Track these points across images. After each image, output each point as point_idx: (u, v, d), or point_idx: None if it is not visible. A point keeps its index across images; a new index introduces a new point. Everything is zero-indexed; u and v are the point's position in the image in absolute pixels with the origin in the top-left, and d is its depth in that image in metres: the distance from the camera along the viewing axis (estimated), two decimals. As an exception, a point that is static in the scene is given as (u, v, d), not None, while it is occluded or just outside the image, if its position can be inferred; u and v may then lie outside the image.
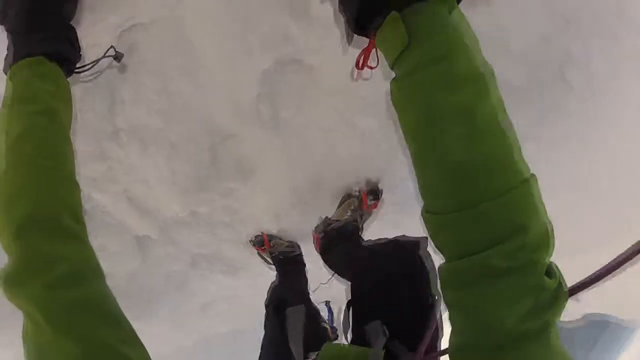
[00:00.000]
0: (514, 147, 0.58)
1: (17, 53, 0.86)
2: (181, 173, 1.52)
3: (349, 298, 1.19)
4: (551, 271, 0.58)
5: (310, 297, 1.61)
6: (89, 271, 0.71)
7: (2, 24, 0.91)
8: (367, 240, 1.51)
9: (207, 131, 1.42)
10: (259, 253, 1.90)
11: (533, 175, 0.59)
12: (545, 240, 0.57)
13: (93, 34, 1.12)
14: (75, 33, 0.95)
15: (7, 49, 0.89)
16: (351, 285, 1.27)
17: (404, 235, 1.23)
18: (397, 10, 0.60)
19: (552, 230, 0.58)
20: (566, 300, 0.57)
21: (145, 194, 1.57)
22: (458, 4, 0.62)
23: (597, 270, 0.59)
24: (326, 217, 1.67)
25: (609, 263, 0.59)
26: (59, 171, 0.78)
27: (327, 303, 2.08)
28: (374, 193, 1.67)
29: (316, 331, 1.33)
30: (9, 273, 0.67)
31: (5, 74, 0.88)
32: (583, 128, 1.66)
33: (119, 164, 1.47)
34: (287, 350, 1.21)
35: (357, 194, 1.65)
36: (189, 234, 1.75)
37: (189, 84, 1.30)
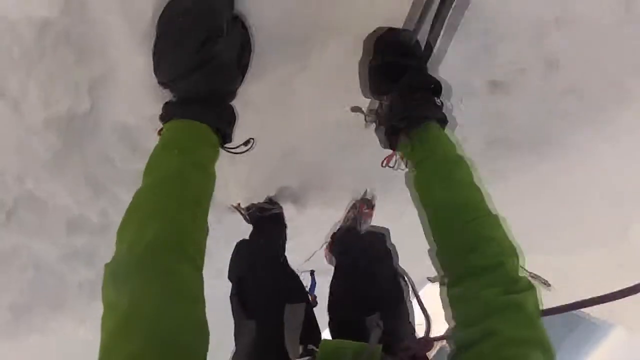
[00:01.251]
0: (481, 196, 0.89)
1: (182, 114, 0.90)
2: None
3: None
4: (521, 275, 0.80)
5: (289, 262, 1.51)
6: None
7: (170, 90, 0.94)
8: None
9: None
10: (236, 207, 1.76)
11: (501, 217, 0.87)
12: (511, 249, 0.82)
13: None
14: (234, 115, 0.99)
15: (168, 108, 0.93)
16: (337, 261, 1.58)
17: (373, 226, 1.62)
18: (406, 133, 1.01)
19: (518, 248, 0.82)
20: (535, 294, 0.76)
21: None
22: (444, 125, 1.02)
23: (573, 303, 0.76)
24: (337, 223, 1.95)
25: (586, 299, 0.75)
26: (198, 209, 0.79)
27: (312, 272, 2.05)
28: (369, 203, 1.96)
29: (311, 321, 1.21)
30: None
31: (163, 121, 0.92)
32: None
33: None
34: (282, 350, 1.07)
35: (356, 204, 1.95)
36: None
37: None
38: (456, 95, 1.43)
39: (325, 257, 1.96)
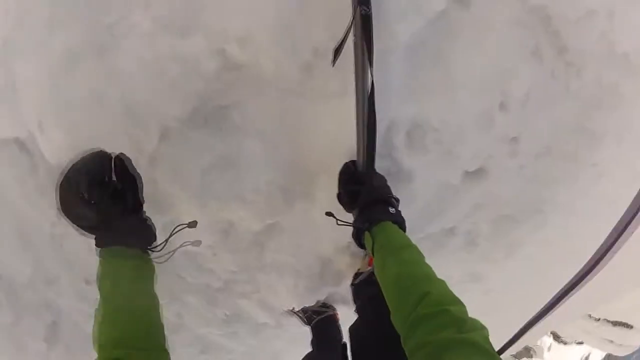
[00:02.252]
0: (426, 269, 1.11)
1: (107, 242, 1.14)
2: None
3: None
4: (469, 319, 0.92)
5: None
6: None
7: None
8: None
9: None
10: (293, 312, 2.00)
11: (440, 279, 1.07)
12: (454, 299, 0.97)
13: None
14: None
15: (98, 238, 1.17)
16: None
17: None
18: (368, 231, 1.28)
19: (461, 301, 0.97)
20: (483, 334, 0.87)
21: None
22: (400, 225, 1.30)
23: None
24: (357, 270, 1.82)
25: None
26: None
27: None
28: None
29: None
30: None
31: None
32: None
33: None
34: None
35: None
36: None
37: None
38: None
39: None
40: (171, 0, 1.15)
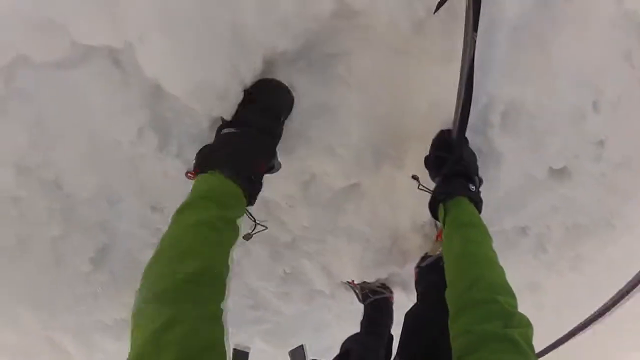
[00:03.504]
0: (488, 250, 1.15)
1: (214, 164, 1.11)
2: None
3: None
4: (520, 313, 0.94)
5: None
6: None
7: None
8: None
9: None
10: (351, 286, 2.00)
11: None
12: (505, 289, 1.00)
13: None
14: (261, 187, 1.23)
15: (209, 158, 1.16)
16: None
17: None
18: (443, 203, 1.28)
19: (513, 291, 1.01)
20: (528, 330, 0.90)
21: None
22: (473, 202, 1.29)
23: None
24: (425, 253, 1.79)
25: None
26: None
27: None
28: None
29: None
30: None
31: (199, 171, 1.13)
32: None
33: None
34: None
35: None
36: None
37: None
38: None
39: None
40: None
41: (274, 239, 1.77)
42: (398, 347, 1.39)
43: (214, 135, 1.28)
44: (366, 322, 1.95)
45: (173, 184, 1.41)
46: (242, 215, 1.10)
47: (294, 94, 1.34)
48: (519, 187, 1.67)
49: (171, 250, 0.91)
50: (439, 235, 1.51)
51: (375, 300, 1.96)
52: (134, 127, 1.31)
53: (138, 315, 0.79)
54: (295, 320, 2.17)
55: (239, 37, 1.18)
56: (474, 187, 1.32)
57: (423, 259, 1.75)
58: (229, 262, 0.95)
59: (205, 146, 1.23)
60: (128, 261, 1.65)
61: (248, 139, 1.21)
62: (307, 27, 1.23)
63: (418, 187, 1.42)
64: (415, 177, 1.42)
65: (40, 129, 1.30)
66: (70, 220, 1.50)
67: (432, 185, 1.40)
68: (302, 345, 1.28)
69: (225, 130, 1.22)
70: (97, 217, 1.52)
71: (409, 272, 1.84)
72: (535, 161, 1.60)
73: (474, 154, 1.42)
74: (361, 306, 2.00)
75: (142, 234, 1.60)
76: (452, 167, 1.33)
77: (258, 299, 2.03)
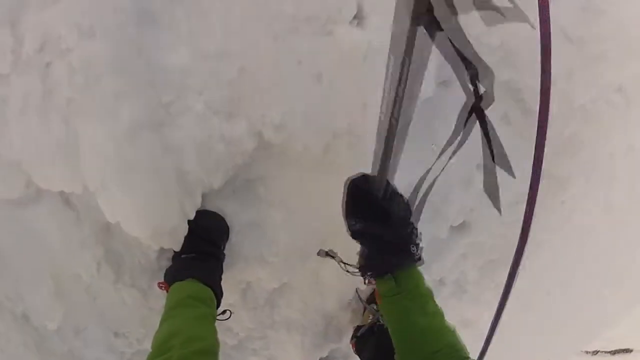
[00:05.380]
0: (447, 328, 1.16)
1: (187, 274, 1.39)
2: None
3: None
4: None
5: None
6: None
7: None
8: None
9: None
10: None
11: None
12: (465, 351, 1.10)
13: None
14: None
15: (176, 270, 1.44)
16: None
17: None
18: (390, 273, 1.21)
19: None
20: None
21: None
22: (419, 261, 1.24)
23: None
24: (357, 325, 1.96)
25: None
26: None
27: None
28: None
29: None
30: None
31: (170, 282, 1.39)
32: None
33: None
34: None
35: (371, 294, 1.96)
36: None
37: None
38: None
39: None
40: (221, 89, 1.37)
41: (222, 343, 1.86)
42: None
43: (161, 264, 1.54)
44: None
45: (131, 310, 1.61)
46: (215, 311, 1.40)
47: (226, 219, 1.57)
48: (426, 249, 1.83)
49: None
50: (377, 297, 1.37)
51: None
52: (92, 261, 1.52)
53: None
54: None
55: (183, 181, 1.39)
56: (415, 248, 1.23)
57: (357, 330, 1.94)
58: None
59: (172, 266, 1.48)
60: None
61: (204, 260, 1.46)
62: (235, 162, 1.46)
63: (346, 270, 1.43)
64: (330, 254, 1.46)
65: (3, 264, 1.47)
66: (42, 351, 1.65)
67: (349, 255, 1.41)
68: None
69: (184, 256, 1.46)
70: (66, 347, 1.67)
71: (347, 345, 1.98)
72: (437, 226, 1.83)
73: (403, 201, 1.23)
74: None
75: (109, 357, 1.74)
76: (390, 240, 1.21)
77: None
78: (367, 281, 1.40)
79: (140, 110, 1.30)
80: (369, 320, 1.91)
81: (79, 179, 1.36)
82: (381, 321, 1.88)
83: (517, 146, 0.97)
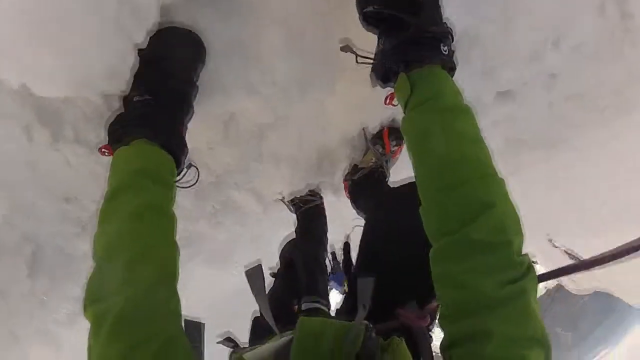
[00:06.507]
0: (485, 154, 0.81)
1: (136, 133, 0.94)
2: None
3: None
4: (524, 255, 0.73)
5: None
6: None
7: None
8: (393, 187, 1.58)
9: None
10: (281, 200, 1.97)
11: (502, 178, 0.78)
12: (515, 223, 0.74)
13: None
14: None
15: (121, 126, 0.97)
16: (364, 225, 1.33)
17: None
18: (404, 72, 0.88)
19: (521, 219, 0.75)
20: (535, 277, 0.71)
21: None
22: (452, 71, 0.92)
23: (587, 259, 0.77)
24: (354, 164, 1.71)
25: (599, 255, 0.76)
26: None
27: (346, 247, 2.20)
28: (397, 136, 1.64)
29: None
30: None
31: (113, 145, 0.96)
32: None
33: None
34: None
35: (379, 134, 1.67)
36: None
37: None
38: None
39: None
40: None
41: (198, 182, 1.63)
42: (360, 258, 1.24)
43: (111, 106, 1.09)
44: (300, 230, 1.94)
45: (78, 170, 1.30)
46: (175, 184, 0.98)
47: (202, 37, 1.08)
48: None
49: (122, 252, 0.78)
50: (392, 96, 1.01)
51: (308, 209, 1.97)
52: (18, 128, 1.16)
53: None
54: (230, 242, 2.15)
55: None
56: (446, 49, 0.90)
57: (354, 170, 1.73)
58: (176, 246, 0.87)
59: (118, 116, 1.01)
60: (61, 259, 1.61)
61: (164, 104, 1.01)
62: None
63: (356, 61, 1.03)
64: (347, 49, 1.07)
65: None
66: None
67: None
68: (259, 265, 1.02)
69: (136, 99, 1.00)
70: (18, 234, 1.48)
71: (339, 179, 1.85)
72: (484, 86, 1.56)
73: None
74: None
75: (65, 227, 1.52)
76: (415, 32, 0.88)
77: (187, 236, 1.94)
78: (387, 100, 1.02)
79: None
80: (371, 164, 1.67)
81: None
82: (384, 168, 1.69)
83: None
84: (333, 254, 2.35)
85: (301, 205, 1.95)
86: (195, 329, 0.91)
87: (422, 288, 1.00)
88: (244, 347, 0.87)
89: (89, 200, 1.44)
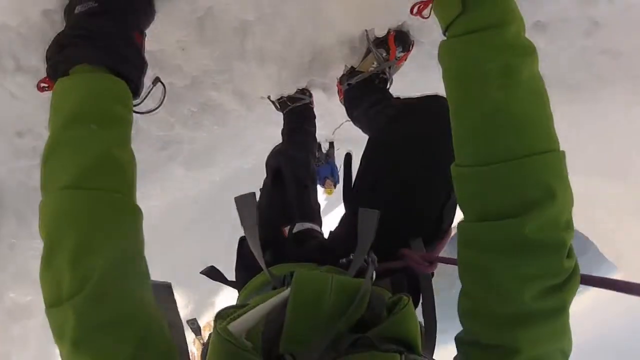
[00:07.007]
0: (550, 118, 0.61)
1: (78, 56, 0.75)
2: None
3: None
4: (571, 252, 0.59)
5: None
6: None
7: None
8: (396, 97, 1.37)
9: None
10: (267, 98, 1.76)
11: (563, 151, 0.60)
12: (571, 218, 0.59)
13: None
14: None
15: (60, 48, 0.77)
16: (368, 139, 1.14)
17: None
18: None
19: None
20: (579, 282, 0.60)
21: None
22: None
23: (613, 280, 0.59)
24: (352, 67, 1.48)
25: (624, 282, 0.58)
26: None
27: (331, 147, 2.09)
28: (404, 42, 1.39)
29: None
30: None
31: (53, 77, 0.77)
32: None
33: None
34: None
35: (384, 38, 1.38)
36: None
37: None
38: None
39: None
40: None
41: (169, 85, 1.40)
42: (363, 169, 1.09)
43: (53, 19, 0.89)
44: (288, 131, 1.75)
45: (25, 101, 1.15)
46: (131, 114, 0.81)
47: None
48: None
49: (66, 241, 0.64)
50: (424, 4, 0.81)
51: (295, 107, 1.78)
52: None
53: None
54: (212, 141, 1.98)
55: None
56: None
57: (351, 73, 1.49)
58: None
59: (57, 36, 0.81)
60: (24, 194, 1.54)
61: (110, 4, 0.81)
62: None
63: None
64: None
65: None
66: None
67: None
68: (252, 193, 0.88)
69: (79, 8, 0.80)
70: None
71: (331, 78, 1.63)
72: (522, 12, 1.27)
73: None
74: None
75: (22, 162, 1.42)
76: None
77: (166, 140, 1.77)
78: (415, 8, 0.80)
79: None
80: (371, 69, 1.42)
81: None
82: (386, 74, 1.44)
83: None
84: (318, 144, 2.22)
85: (288, 103, 1.75)
86: (164, 291, 0.83)
87: (430, 223, 0.94)
88: (228, 310, 0.75)
89: (42, 128, 1.27)
